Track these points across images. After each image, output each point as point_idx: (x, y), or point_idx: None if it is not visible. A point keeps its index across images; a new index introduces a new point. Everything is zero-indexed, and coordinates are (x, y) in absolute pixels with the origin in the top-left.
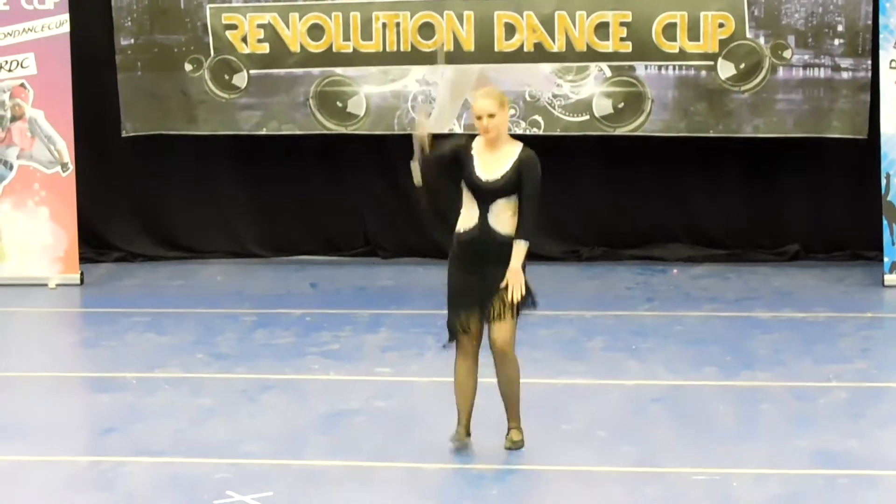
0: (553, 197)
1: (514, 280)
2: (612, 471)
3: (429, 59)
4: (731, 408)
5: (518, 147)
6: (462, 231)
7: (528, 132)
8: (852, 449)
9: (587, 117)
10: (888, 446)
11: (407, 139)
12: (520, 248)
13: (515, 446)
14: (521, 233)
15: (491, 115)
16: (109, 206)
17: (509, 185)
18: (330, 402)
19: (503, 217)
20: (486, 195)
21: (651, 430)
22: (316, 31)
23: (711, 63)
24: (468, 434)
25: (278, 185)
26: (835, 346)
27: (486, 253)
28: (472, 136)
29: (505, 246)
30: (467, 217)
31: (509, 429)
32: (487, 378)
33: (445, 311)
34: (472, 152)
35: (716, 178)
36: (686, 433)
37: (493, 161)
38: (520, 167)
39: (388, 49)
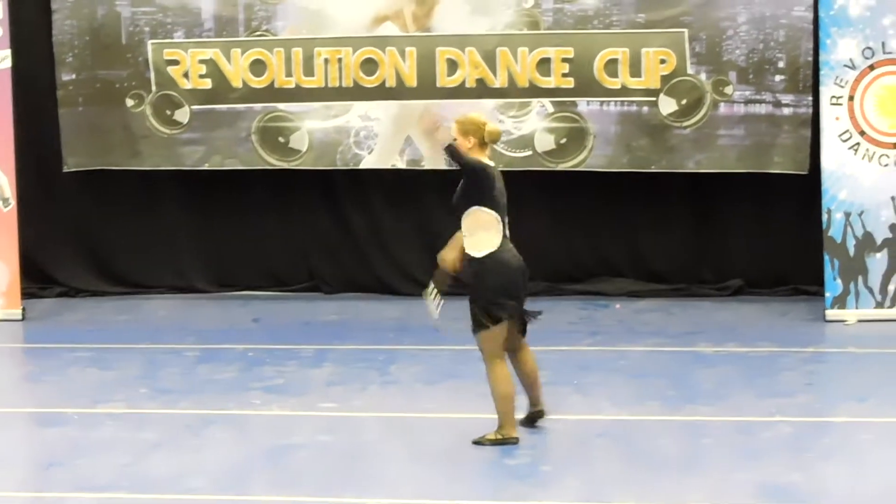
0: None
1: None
2: None
3: (371, 94)
4: (674, 442)
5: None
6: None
7: None
8: (796, 483)
9: (530, 153)
10: (831, 480)
11: (352, 173)
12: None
13: (477, 440)
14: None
15: (453, 139)
16: (52, 241)
17: (457, 198)
18: (274, 436)
19: (472, 237)
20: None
21: (595, 465)
22: (258, 67)
23: (653, 99)
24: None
25: (223, 219)
26: (778, 381)
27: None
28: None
29: (475, 263)
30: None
31: None
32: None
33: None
34: None
35: (659, 213)
36: (630, 467)
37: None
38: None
39: (330, 85)
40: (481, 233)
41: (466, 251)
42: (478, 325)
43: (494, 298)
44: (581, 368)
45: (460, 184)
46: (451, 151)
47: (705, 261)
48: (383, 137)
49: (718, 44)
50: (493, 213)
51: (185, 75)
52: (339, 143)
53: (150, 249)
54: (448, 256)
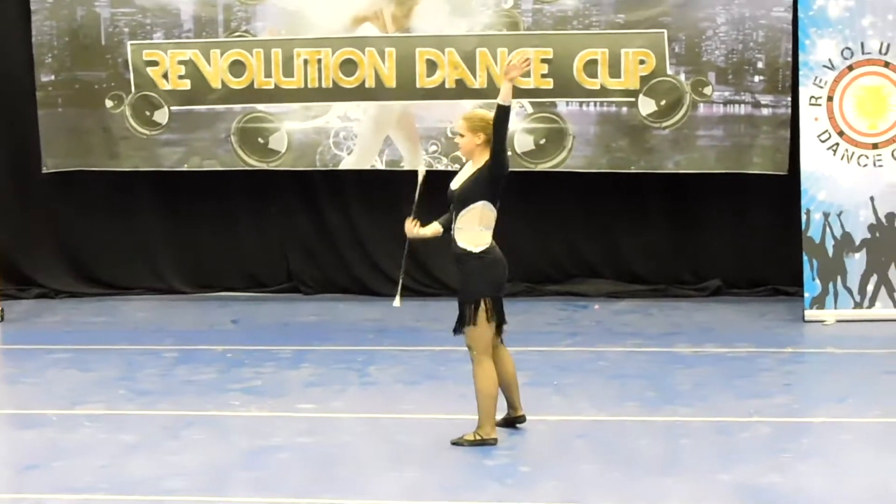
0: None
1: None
2: None
3: (350, 95)
4: (653, 442)
5: (484, 159)
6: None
7: (449, 168)
8: (774, 484)
9: (509, 153)
10: (810, 481)
11: (330, 174)
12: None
13: (456, 440)
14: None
15: (461, 136)
16: (31, 242)
17: (462, 191)
18: (253, 438)
19: (465, 232)
20: (453, 204)
21: (574, 466)
22: (237, 68)
23: (633, 99)
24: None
25: (201, 220)
26: (756, 381)
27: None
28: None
29: (464, 257)
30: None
31: None
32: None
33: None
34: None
35: (638, 213)
36: (609, 468)
37: (463, 172)
38: (477, 172)
39: (309, 85)
40: (480, 229)
41: (460, 245)
42: (469, 321)
43: (489, 293)
44: (560, 369)
45: (474, 174)
46: (502, 118)
47: (684, 261)
48: (363, 138)
49: (698, 44)
50: (495, 211)
51: (165, 76)
52: (318, 144)
53: (128, 251)
54: (415, 231)
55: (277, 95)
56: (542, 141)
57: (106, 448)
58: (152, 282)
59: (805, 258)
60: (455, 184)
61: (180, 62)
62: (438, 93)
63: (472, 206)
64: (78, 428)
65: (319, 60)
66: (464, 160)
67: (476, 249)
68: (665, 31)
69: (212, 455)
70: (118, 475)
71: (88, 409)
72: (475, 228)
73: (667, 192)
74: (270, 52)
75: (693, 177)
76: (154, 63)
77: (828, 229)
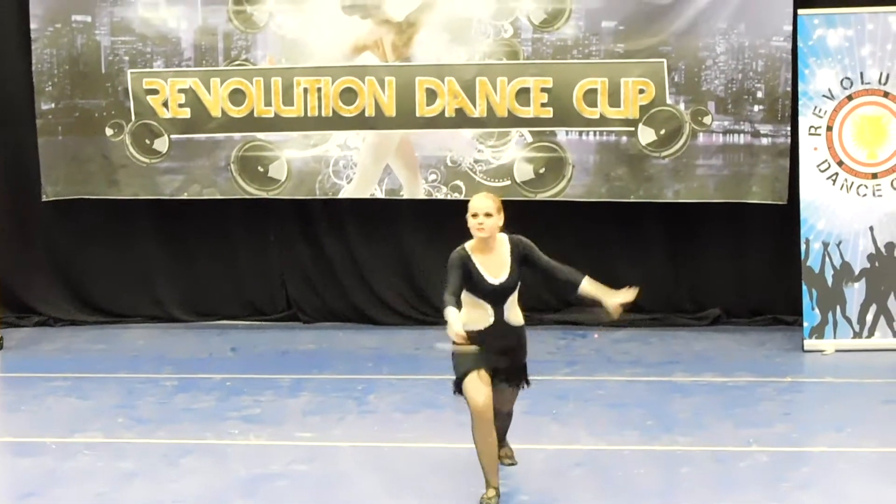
0: None
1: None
2: None
3: (350, 124)
4: (652, 471)
5: (505, 240)
6: (476, 330)
7: (449, 197)
8: None
9: (508, 182)
10: None
11: (330, 202)
12: (590, 281)
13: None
14: (577, 275)
15: (488, 215)
16: (31, 270)
17: (516, 279)
18: (251, 466)
19: (515, 310)
20: (499, 296)
21: (573, 494)
22: (237, 96)
23: (632, 129)
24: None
25: (201, 248)
26: (755, 410)
27: (507, 343)
28: (462, 251)
29: (521, 330)
30: (478, 317)
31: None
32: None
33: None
34: (473, 261)
35: (638, 242)
36: (607, 497)
37: (494, 263)
38: (518, 256)
39: (309, 114)
40: (518, 309)
41: (512, 322)
42: (525, 383)
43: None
44: (559, 398)
45: (518, 268)
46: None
47: (684, 290)
48: (362, 167)
49: (697, 73)
50: None
51: (165, 104)
52: (318, 173)
53: (128, 278)
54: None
55: (277, 124)
56: (542, 170)
57: (104, 476)
58: (152, 310)
59: (804, 288)
60: (495, 279)
61: (180, 90)
62: (438, 121)
63: (516, 291)
64: (76, 456)
65: (319, 89)
66: (474, 256)
67: (522, 323)
68: (665, 60)
69: (210, 483)
70: (116, 503)
71: (87, 437)
72: (516, 309)
73: (667, 221)
74: (270, 81)
75: (693, 206)
76: (154, 91)
77: (827, 259)
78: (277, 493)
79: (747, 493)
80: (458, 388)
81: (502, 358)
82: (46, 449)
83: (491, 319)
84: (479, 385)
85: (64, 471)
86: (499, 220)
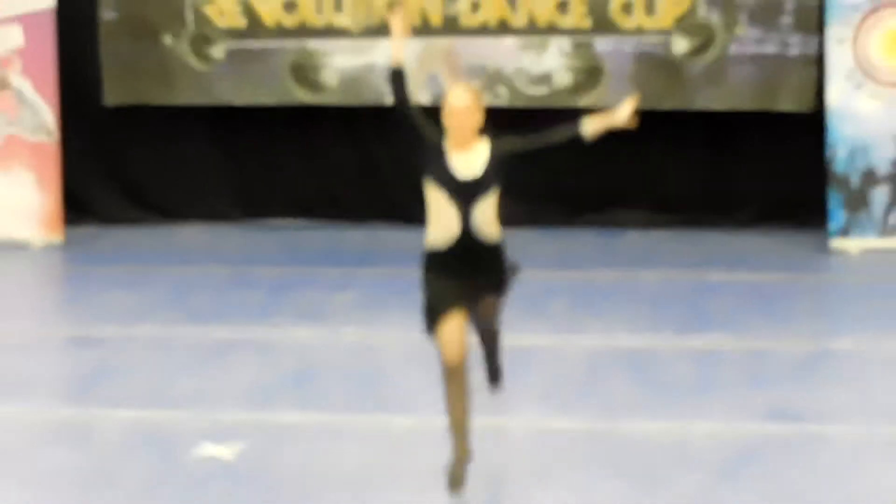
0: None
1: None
2: (571, 427)
3: None
4: (688, 367)
5: (486, 141)
6: (439, 251)
7: (491, 104)
8: (803, 405)
9: (548, 90)
10: (837, 403)
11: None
12: (589, 119)
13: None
14: (573, 126)
15: (466, 110)
16: (91, 172)
17: (490, 180)
18: (300, 360)
19: (488, 222)
20: (468, 196)
21: (610, 387)
22: (290, 5)
23: (667, 38)
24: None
25: (252, 152)
26: (785, 307)
27: (477, 266)
28: (442, 134)
29: (497, 251)
30: (443, 228)
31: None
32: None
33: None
34: (446, 149)
35: (674, 147)
36: (645, 389)
37: (467, 161)
38: (498, 152)
39: (359, 23)
40: (494, 224)
41: (483, 236)
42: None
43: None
44: (597, 294)
45: (495, 168)
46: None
47: (717, 192)
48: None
49: None
50: None
51: (221, 13)
52: (366, 80)
53: (182, 180)
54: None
55: (328, 32)
56: (580, 78)
57: (157, 368)
58: (205, 210)
59: (831, 191)
60: (462, 175)
61: (236, 0)
62: (481, 31)
63: (494, 193)
64: (131, 348)
65: None
66: (457, 140)
67: (499, 241)
68: None
69: (259, 376)
70: (167, 394)
71: (142, 331)
72: (494, 221)
73: (702, 127)
74: None
75: (725, 113)
76: (211, 1)
77: (853, 164)
78: (324, 387)
79: (778, 387)
80: (429, 324)
81: (474, 286)
82: (103, 341)
83: (457, 230)
84: (453, 334)
85: (119, 362)
86: (477, 115)
